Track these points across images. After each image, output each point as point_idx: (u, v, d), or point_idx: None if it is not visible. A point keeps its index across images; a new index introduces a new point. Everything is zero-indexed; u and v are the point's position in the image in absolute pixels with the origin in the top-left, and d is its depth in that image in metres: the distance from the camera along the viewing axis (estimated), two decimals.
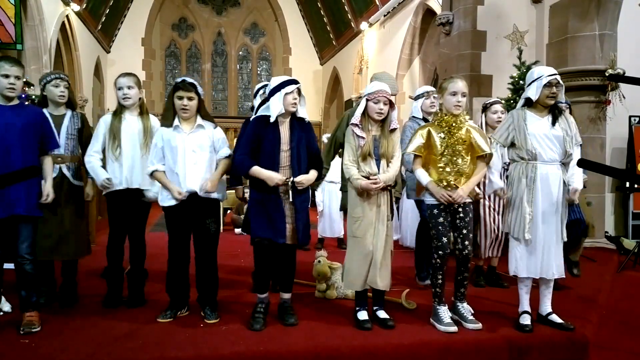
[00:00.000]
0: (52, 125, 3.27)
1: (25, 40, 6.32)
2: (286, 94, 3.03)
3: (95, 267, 4.45)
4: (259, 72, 15.71)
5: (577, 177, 3.14)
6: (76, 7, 9.84)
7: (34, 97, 5.08)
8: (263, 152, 3.07)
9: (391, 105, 3.13)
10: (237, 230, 7.17)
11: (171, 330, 3.00)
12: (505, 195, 3.24)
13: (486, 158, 3.13)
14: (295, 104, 3.07)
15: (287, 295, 3.24)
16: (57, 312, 3.28)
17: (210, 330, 3.02)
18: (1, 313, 3.17)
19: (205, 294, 3.26)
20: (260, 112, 3.19)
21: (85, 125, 3.57)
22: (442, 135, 3.09)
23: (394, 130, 3.16)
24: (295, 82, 3.09)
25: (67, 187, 3.44)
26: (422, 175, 3.13)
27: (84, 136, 3.52)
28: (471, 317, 3.09)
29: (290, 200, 3.07)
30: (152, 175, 3.19)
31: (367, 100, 3.11)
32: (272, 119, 3.06)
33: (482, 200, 3.92)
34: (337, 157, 5.79)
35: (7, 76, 2.90)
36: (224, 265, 4.74)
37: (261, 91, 3.86)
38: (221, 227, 7.47)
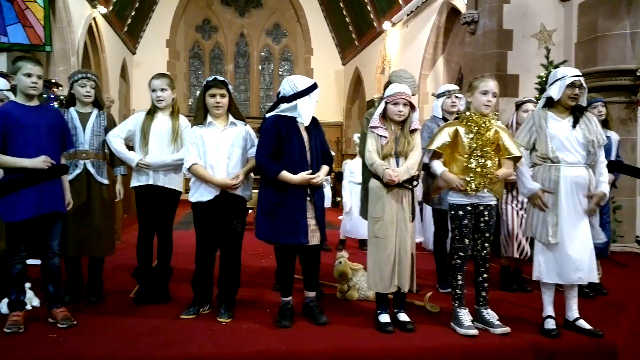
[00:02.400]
0: (78, 122, 3.37)
1: (54, 42, 6.47)
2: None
3: (121, 265, 4.52)
4: (280, 72, 15.78)
5: (603, 181, 3.06)
6: (103, 10, 10.03)
7: (62, 97, 5.20)
8: (290, 152, 3.08)
9: (412, 106, 3.11)
10: None
11: (194, 328, 3.03)
12: (550, 194, 3.02)
13: (512, 160, 3.07)
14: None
15: (312, 294, 3.25)
16: (83, 309, 3.33)
17: (232, 328, 3.03)
18: (30, 308, 3.24)
19: (225, 292, 3.28)
20: (280, 112, 3.17)
21: (112, 125, 3.63)
22: (471, 135, 3.04)
23: (414, 130, 3.13)
24: (317, 86, 3.16)
25: (92, 183, 3.49)
26: (437, 166, 3.09)
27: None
28: (498, 322, 3.03)
29: (310, 198, 3.09)
30: (190, 170, 3.21)
31: (386, 102, 3.09)
32: (306, 123, 3.11)
33: (505, 201, 3.86)
34: (358, 157, 5.78)
35: (29, 75, 2.95)
36: (245, 265, 4.74)
37: None
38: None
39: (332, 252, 4.92)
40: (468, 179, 3.00)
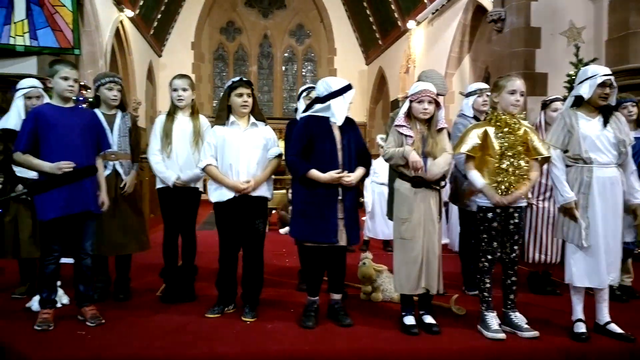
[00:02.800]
0: (106, 124, 3.43)
1: (82, 46, 6.62)
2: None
3: (147, 264, 4.59)
4: (303, 73, 15.81)
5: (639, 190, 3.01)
6: (130, 13, 10.21)
7: (90, 99, 5.31)
8: (321, 152, 3.09)
9: (437, 104, 3.06)
10: (282, 230, 7.22)
11: (219, 326, 3.05)
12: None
13: (540, 162, 3.00)
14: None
15: (337, 296, 3.24)
16: (111, 307, 3.40)
17: (257, 328, 3.05)
18: (59, 305, 3.32)
19: (249, 292, 3.30)
20: (313, 112, 3.18)
21: (135, 126, 3.71)
22: (501, 135, 2.97)
23: (441, 129, 3.09)
24: (352, 87, 3.16)
25: (120, 183, 3.56)
26: (476, 178, 3.01)
27: (132, 136, 3.65)
28: (526, 326, 2.96)
29: (340, 198, 3.08)
30: (204, 170, 3.25)
31: (411, 101, 3.06)
32: (339, 123, 3.11)
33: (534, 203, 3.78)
34: (381, 157, 5.74)
35: (66, 78, 3.03)
36: (269, 265, 4.78)
37: (304, 94, 3.89)
38: (267, 227, 7.57)
39: (356, 253, 4.90)
40: (499, 180, 2.95)
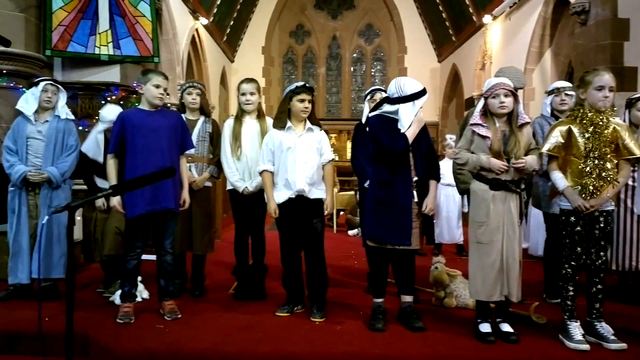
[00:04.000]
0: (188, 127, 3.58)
1: (161, 53, 6.93)
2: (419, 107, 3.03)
3: (221, 262, 4.74)
4: (372, 73, 15.70)
5: None
6: (204, 21, 10.62)
7: (169, 105, 5.57)
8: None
9: (515, 97, 2.88)
10: (351, 232, 7.19)
11: (288, 325, 3.08)
12: None
13: (631, 161, 2.77)
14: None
15: (408, 298, 3.17)
16: (187, 302, 3.53)
17: (325, 328, 3.04)
18: (140, 300, 3.50)
19: (314, 291, 3.31)
20: (383, 112, 3.13)
21: (215, 130, 3.85)
22: (586, 134, 2.77)
23: (523, 125, 2.90)
24: (425, 92, 3.06)
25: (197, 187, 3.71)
26: (559, 180, 2.82)
27: (213, 140, 3.81)
28: (613, 337, 2.75)
29: (416, 200, 3.02)
30: (260, 174, 3.33)
31: (485, 98, 2.91)
32: (402, 130, 3.02)
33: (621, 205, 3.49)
34: (448, 158, 5.56)
35: (158, 86, 3.22)
36: (337, 267, 4.79)
37: (369, 97, 3.86)
38: (334, 229, 7.59)
39: (428, 256, 4.77)
40: (583, 182, 2.75)
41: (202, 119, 3.80)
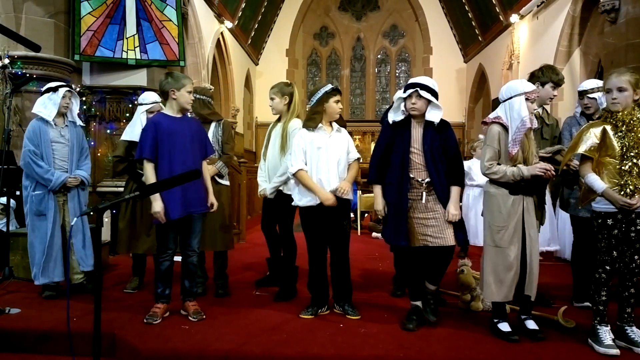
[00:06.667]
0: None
1: (186, 57, 7.02)
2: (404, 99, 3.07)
3: (245, 262, 4.77)
4: (397, 74, 15.60)
5: None
6: (229, 24, 10.73)
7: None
8: (394, 152, 3.09)
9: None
10: (374, 235, 7.15)
11: (313, 327, 3.07)
12: None
13: None
14: (414, 107, 3.02)
15: (431, 287, 3.17)
16: (211, 303, 3.56)
17: (350, 331, 3.02)
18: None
19: (341, 291, 3.32)
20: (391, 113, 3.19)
21: (228, 133, 3.88)
22: (621, 134, 2.69)
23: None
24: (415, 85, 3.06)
25: (214, 185, 3.70)
26: (596, 182, 2.75)
27: (223, 139, 3.85)
28: None
29: (423, 201, 3.01)
30: (295, 175, 3.29)
31: (526, 99, 2.89)
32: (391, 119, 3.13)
33: None
34: (475, 159, 5.47)
35: (190, 92, 3.26)
36: (362, 269, 4.75)
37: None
38: (359, 230, 7.55)
39: (454, 259, 4.69)
40: (622, 183, 2.67)
41: (213, 124, 3.84)
